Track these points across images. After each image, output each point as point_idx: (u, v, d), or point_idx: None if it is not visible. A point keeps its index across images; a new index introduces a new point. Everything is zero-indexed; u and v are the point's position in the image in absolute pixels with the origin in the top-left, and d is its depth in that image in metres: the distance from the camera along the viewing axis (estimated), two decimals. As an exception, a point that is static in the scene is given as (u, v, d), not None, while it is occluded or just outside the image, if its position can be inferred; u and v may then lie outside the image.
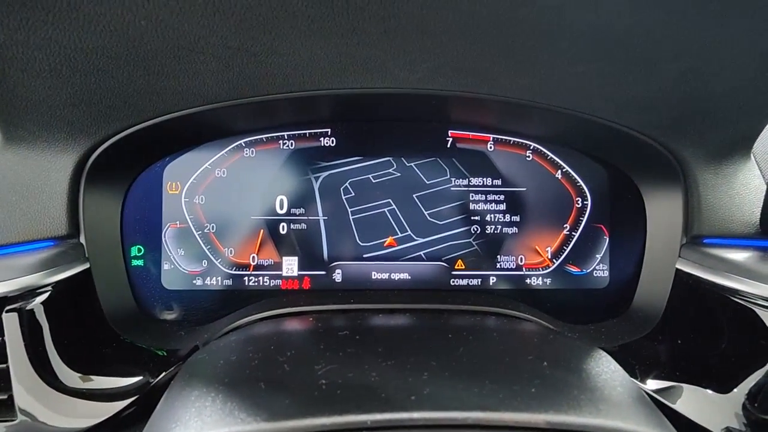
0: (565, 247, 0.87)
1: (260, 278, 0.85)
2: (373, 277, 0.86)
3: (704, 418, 0.61)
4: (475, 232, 0.87)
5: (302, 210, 0.85)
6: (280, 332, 0.65)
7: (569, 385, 0.45)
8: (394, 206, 0.86)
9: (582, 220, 0.87)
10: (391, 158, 0.86)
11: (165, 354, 0.72)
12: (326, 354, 0.53)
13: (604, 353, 0.57)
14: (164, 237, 0.83)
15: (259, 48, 0.58)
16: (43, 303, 0.62)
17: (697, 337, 0.71)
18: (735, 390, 0.61)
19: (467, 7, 0.52)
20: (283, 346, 0.58)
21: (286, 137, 0.85)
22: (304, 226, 0.85)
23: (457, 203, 0.86)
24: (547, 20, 0.54)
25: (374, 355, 0.51)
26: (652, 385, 0.66)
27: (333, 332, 0.62)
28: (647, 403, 0.47)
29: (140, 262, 0.82)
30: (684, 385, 0.65)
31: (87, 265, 0.71)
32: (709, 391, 0.63)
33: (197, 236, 0.83)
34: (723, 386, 0.62)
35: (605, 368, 0.52)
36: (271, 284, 0.85)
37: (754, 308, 0.63)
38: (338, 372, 0.47)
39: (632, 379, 0.54)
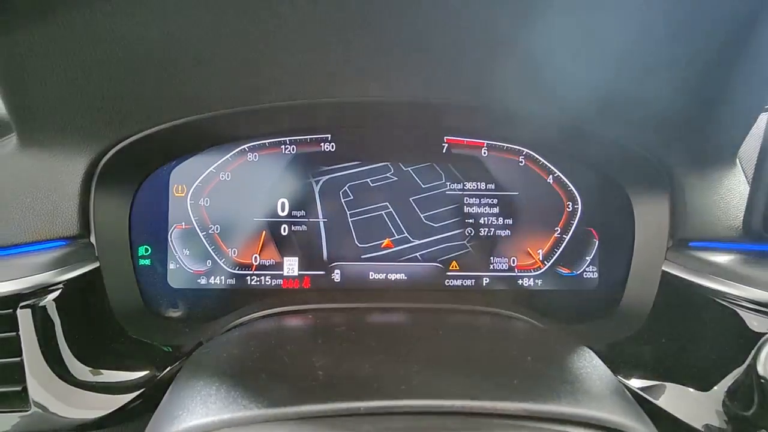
0: (556, 250, 0.89)
1: (262, 278, 0.87)
2: (370, 277, 0.88)
3: (687, 414, 0.63)
4: (469, 234, 0.89)
5: (303, 212, 0.87)
6: (280, 328, 0.68)
7: (550, 378, 0.48)
8: (391, 209, 0.88)
9: (572, 224, 0.89)
10: (388, 163, 0.88)
11: (170, 349, 0.74)
12: (324, 348, 0.56)
13: (587, 349, 0.59)
14: (170, 238, 0.85)
15: (261, 60, 0.61)
16: (55, 300, 0.65)
17: (682, 336, 0.73)
18: (716, 387, 0.62)
19: (461, 24, 0.55)
20: (283, 341, 0.61)
21: (287, 142, 0.87)
22: (304, 227, 0.87)
23: (452, 206, 0.88)
24: (540, 37, 0.57)
25: (369, 349, 0.54)
26: (637, 381, 0.68)
27: (331, 328, 0.65)
28: (625, 395, 0.50)
29: (147, 262, 0.84)
30: (668, 383, 0.66)
31: (97, 264, 0.73)
32: (692, 389, 0.64)
33: (202, 237, 0.86)
34: (705, 384, 0.64)
35: (587, 363, 0.54)
36: (273, 283, 0.87)
37: (736, 309, 0.64)
38: (334, 364, 0.50)
39: (612, 373, 0.56)
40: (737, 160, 0.79)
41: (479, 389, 0.45)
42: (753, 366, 0.61)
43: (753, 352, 0.61)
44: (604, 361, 0.60)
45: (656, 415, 0.63)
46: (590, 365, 0.54)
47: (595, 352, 0.63)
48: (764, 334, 0.62)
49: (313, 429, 0.39)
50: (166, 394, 0.52)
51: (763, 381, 0.59)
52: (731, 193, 0.78)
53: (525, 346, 0.61)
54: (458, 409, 0.41)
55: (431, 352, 0.55)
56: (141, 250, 0.84)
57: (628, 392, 0.52)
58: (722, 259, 0.73)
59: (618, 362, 0.71)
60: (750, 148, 0.80)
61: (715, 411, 0.62)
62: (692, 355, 0.69)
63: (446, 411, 0.41)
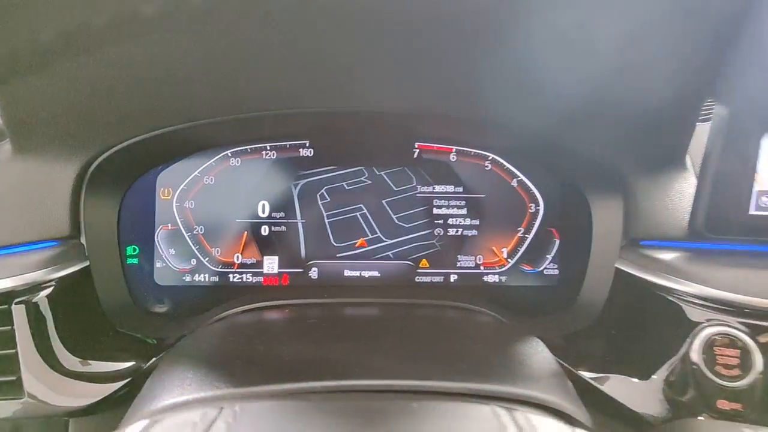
0: (519, 248, 0.94)
1: (243, 275, 0.91)
2: (345, 274, 0.92)
3: (632, 401, 0.68)
4: (439, 234, 0.94)
5: (282, 214, 0.91)
6: (258, 321, 0.72)
7: (494, 363, 0.53)
8: (365, 210, 0.93)
9: (535, 224, 0.94)
10: (363, 168, 0.93)
11: (155, 342, 0.78)
12: (295, 338, 0.61)
13: (536, 339, 0.64)
14: (157, 238, 0.89)
15: (242, 74, 0.66)
16: (47, 296, 0.68)
17: (630, 328, 0.78)
18: (655, 375, 0.68)
19: (434, 39, 0.60)
20: (259, 333, 0.65)
21: (268, 148, 0.91)
22: (283, 228, 0.92)
23: (423, 208, 0.93)
24: (512, 49, 0.61)
25: (335, 338, 0.59)
26: (588, 369, 0.72)
27: (304, 321, 0.70)
28: (562, 378, 0.55)
29: (135, 261, 0.88)
30: (617, 371, 0.71)
31: (87, 263, 0.77)
32: (637, 377, 0.69)
33: (187, 237, 0.90)
34: (649, 372, 0.69)
35: (532, 350, 0.60)
36: (254, 281, 0.91)
37: (680, 303, 0.69)
38: (302, 351, 0.55)
39: (555, 359, 0.62)
40: (688, 164, 0.84)
41: (428, 372, 0.50)
42: (687, 354, 0.66)
43: (688, 340, 0.67)
44: (560, 352, 0.65)
45: (606, 401, 0.69)
46: (535, 352, 0.59)
47: (554, 343, 0.67)
48: (700, 323, 0.67)
49: (275, 403, 0.44)
50: (149, 379, 0.57)
51: (695, 368, 0.65)
52: (680, 195, 0.81)
53: (479, 336, 0.66)
54: (407, 387, 0.47)
55: (393, 342, 0.60)
56: (129, 250, 0.87)
57: (566, 376, 0.57)
58: (669, 256, 0.77)
59: (573, 351, 0.75)
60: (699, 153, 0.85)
61: (657, 398, 0.67)
62: (639, 345, 0.74)
63: (396, 389, 0.47)
